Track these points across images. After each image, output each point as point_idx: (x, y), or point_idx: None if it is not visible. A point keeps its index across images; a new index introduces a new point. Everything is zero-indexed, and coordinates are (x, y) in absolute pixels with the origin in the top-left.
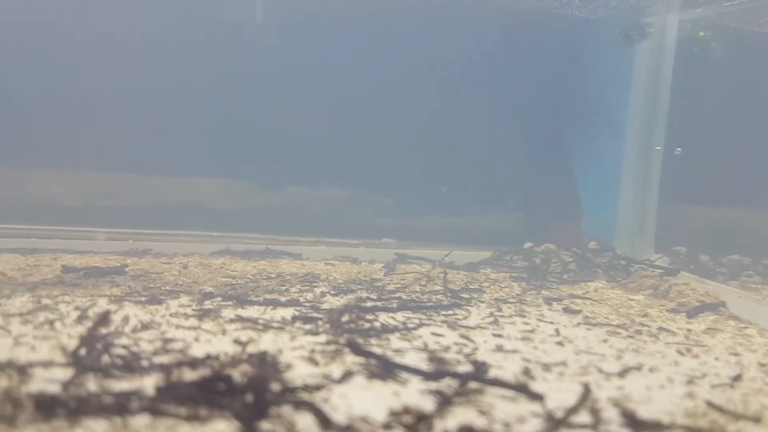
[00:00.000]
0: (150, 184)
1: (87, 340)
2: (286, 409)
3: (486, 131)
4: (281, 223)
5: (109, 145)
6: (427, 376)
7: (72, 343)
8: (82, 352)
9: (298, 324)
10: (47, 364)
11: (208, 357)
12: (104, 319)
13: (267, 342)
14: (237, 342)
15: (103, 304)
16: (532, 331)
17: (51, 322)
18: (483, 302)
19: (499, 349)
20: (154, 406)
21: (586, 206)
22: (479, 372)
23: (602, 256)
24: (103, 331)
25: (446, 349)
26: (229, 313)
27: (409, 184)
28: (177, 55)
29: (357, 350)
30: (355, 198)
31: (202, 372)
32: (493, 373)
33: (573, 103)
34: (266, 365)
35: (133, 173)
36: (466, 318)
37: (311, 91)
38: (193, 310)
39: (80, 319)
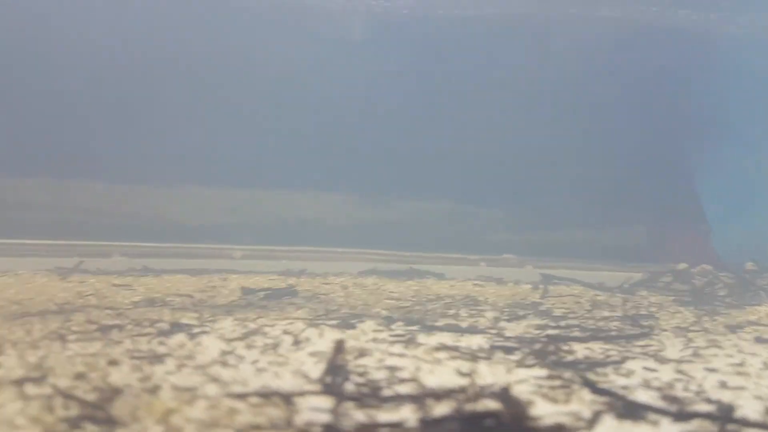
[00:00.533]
0: (270, 200)
1: (330, 367)
2: None
3: (604, 141)
4: (401, 238)
5: (230, 160)
6: (675, 417)
7: (313, 371)
8: (328, 379)
9: (500, 354)
10: (304, 393)
11: (447, 389)
12: (341, 347)
13: (486, 374)
14: (460, 373)
15: (302, 327)
16: (741, 364)
17: (274, 347)
18: (666, 330)
19: (723, 385)
20: None
21: (714, 220)
22: (725, 412)
23: (762, 278)
24: (341, 358)
25: (671, 386)
26: (425, 339)
27: (526, 197)
28: (299, 75)
29: (592, 387)
30: (470, 211)
31: (451, 404)
32: (739, 413)
33: (696, 111)
34: (511, 401)
35: (255, 188)
36: (662, 350)
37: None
38: (390, 336)
39: (296, 344)
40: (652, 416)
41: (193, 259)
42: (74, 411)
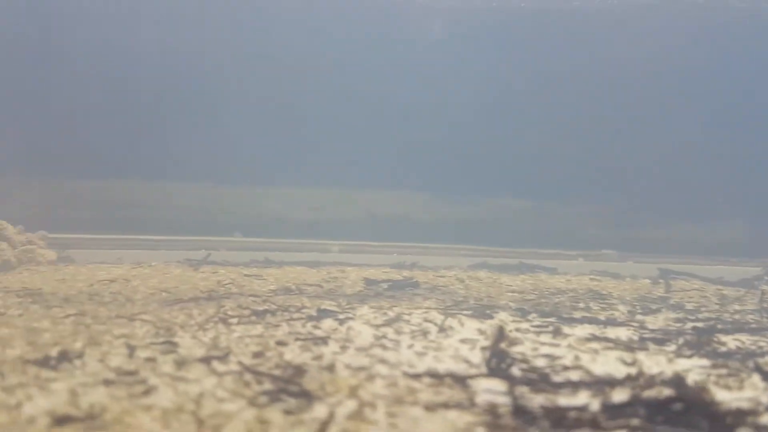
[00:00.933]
0: (355, 198)
1: (493, 352)
2: None
3: (705, 134)
4: (482, 235)
5: (316, 161)
6: None
7: (471, 356)
8: (493, 364)
9: (654, 345)
10: (474, 376)
11: (616, 378)
12: (502, 333)
13: (650, 363)
14: (624, 362)
15: (438, 316)
16: None
17: (423, 333)
18: None
19: None
20: (627, 423)
21: None
22: None
23: None
24: (503, 344)
25: None
26: (571, 331)
27: (622, 192)
28: (394, 78)
29: (763, 374)
30: (562, 209)
31: (627, 392)
32: None
33: None
34: (687, 388)
35: (340, 188)
36: None
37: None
38: (531, 326)
39: (442, 331)
40: None
41: (294, 253)
42: (268, 385)
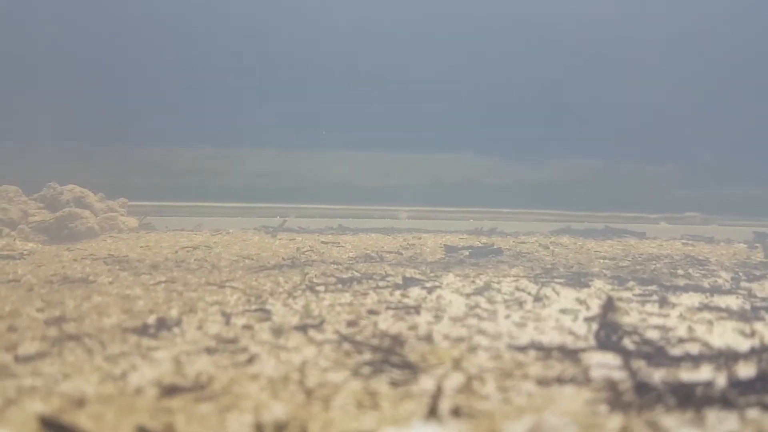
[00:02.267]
0: (425, 162)
1: (603, 323)
2: None
3: None
4: (558, 198)
5: (382, 125)
6: None
7: (576, 327)
8: (602, 336)
9: (761, 315)
10: (586, 349)
11: (741, 351)
12: (611, 304)
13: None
14: (742, 333)
15: (529, 284)
16: None
17: (519, 303)
18: None
19: None
20: (761, 400)
21: None
22: None
23: None
24: (611, 316)
25: None
26: (677, 300)
27: (713, 150)
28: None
29: None
30: (644, 170)
31: (753, 366)
32: None
33: None
34: None
35: (409, 152)
36: None
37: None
38: (633, 295)
39: (538, 300)
40: None
41: (364, 219)
42: (369, 355)
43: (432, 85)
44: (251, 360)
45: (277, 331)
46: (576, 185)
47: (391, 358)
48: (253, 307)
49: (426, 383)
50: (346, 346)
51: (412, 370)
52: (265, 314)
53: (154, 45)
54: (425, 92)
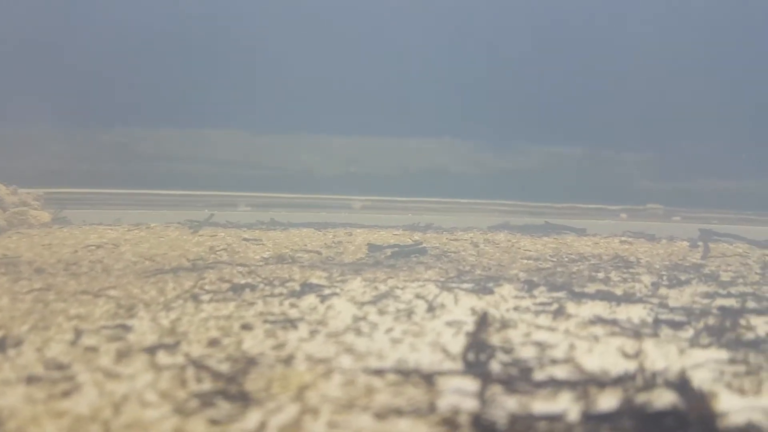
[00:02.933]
0: (390, 147)
1: (473, 342)
2: None
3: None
4: (528, 187)
5: (349, 108)
6: None
7: (452, 344)
8: (471, 356)
9: (668, 330)
10: (445, 373)
11: (610, 375)
12: (484, 320)
13: (656, 356)
14: (624, 354)
15: (434, 290)
16: None
17: (408, 314)
18: None
19: None
20: None
21: None
22: None
23: None
24: (485, 332)
25: None
26: (576, 310)
27: (675, 140)
28: (430, 20)
29: None
30: (609, 156)
31: (618, 394)
32: None
33: None
34: (691, 392)
35: (378, 136)
36: None
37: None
38: (533, 304)
39: (431, 311)
40: None
41: (314, 210)
42: (207, 384)
43: (407, 65)
44: (69, 392)
45: (122, 355)
46: (547, 175)
47: (229, 389)
48: (116, 322)
49: (250, 421)
50: (190, 372)
51: (244, 403)
52: (122, 331)
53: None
54: (400, 73)
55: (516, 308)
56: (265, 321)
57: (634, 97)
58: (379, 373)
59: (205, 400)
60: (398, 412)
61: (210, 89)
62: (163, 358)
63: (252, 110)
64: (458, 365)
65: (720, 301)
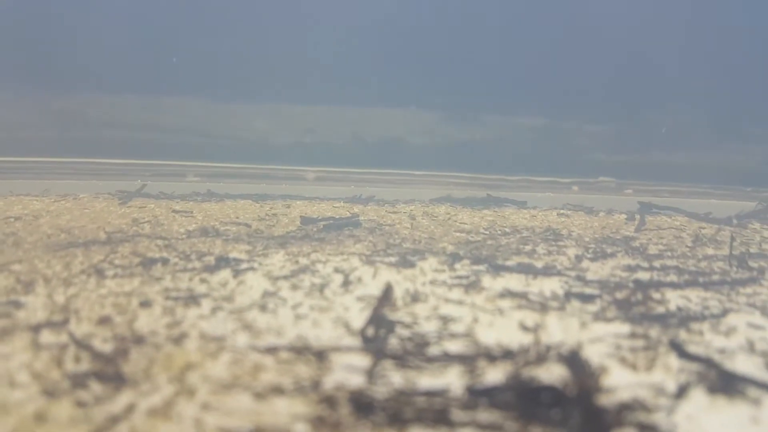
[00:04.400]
0: (347, 118)
1: (373, 317)
2: None
3: (723, 47)
4: (484, 159)
5: (306, 77)
6: None
7: (356, 319)
8: (370, 332)
9: (576, 303)
10: (340, 349)
11: (505, 349)
12: (388, 293)
13: (555, 329)
14: (523, 327)
15: (357, 264)
16: None
17: (320, 289)
18: None
19: None
20: (476, 417)
21: None
22: None
23: None
24: (388, 306)
25: None
26: (490, 283)
27: (631, 111)
28: None
29: (681, 351)
30: (563, 128)
31: (507, 368)
32: None
33: None
34: (580, 367)
35: (331, 106)
36: None
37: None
38: (450, 277)
39: (345, 285)
40: (753, 392)
41: (265, 181)
42: (84, 365)
43: (371, 31)
44: None
45: (4, 333)
46: (501, 147)
47: (106, 369)
48: (9, 298)
49: (118, 404)
50: (70, 351)
51: (117, 385)
52: (12, 308)
53: None
54: (363, 39)
55: (432, 282)
56: (167, 297)
57: (599, 69)
58: (272, 350)
59: (78, 382)
60: (280, 391)
61: (167, 56)
62: (46, 336)
63: (209, 78)
64: (356, 341)
65: (640, 275)
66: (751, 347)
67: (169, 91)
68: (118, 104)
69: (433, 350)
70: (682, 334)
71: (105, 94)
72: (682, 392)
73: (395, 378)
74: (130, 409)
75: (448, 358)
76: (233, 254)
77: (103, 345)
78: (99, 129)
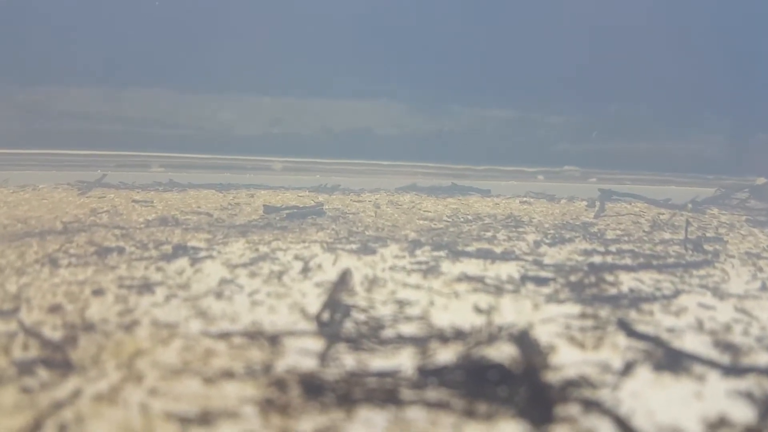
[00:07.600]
0: (315, 109)
1: (329, 302)
2: (575, 411)
3: (681, 38)
4: (452, 150)
5: (274, 67)
6: (726, 371)
7: (313, 304)
8: (326, 316)
9: (531, 286)
10: (294, 333)
11: (458, 330)
12: (345, 278)
13: (509, 311)
14: (477, 309)
15: (318, 251)
16: None
17: (278, 276)
18: (733, 257)
19: None
20: (424, 396)
21: None
22: None
23: None
24: (345, 291)
25: (727, 328)
26: (449, 268)
27: (595, 102)
28: None
29: (629, 330)
30: (528, 119)
31: (458, 349)
32: None
33: None
34: (529, 346)
35: (299, 98)
36: (725, 281)
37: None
38: (410, 263)
39: (305, 272)
40: (698, 369)
41: (233, 171)
42: (32, 352)
43: (341, 22)
44: None
45: None
46: (469, 137)
47: (54, 356)
48: None
49: (65, 389)
50: (19, 339)
51: (64, 371)
52: None
53: None
54: (333, 30)
55: (392, 267)
56: (121, 286)
57: (566, 60)
58: (225, 336)
59: (24, 369)
60: (230, 376)
61: (134, 47)
62: None
63: (177, 69)
64: (311, 326)
65: (595, 258)
66: (700, 326)
67: (134, 82)
68: (82, 96)
69: (388, 333)
70: (633, 315)
71: (68, 86)
72: (627, 369)
73: (348, 360)
74: (75, 394)
75: (401, 341)
76: (192, 243)
77: (53, 333)
78: (62, 120)
